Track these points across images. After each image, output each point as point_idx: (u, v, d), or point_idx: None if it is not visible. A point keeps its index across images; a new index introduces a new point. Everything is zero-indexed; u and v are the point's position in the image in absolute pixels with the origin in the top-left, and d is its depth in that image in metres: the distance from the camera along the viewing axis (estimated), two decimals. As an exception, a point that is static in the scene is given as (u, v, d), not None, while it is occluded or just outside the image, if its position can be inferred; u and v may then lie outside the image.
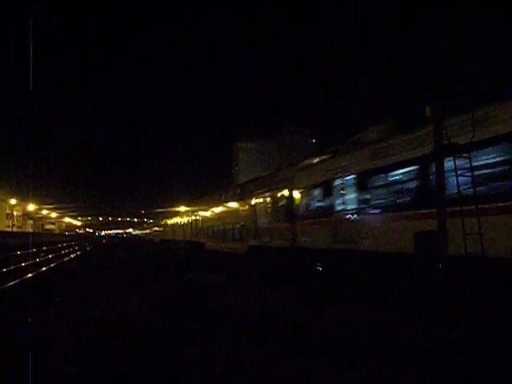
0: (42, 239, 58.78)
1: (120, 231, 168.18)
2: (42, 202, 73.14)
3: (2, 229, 56.57)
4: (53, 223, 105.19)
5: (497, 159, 8.75)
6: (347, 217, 13.74)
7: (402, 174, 11.50)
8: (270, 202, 20.90)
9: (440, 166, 9.22)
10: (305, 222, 16.94)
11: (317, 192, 16.22)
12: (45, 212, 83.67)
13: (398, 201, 11.74)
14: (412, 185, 11.18)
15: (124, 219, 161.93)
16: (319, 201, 16.05)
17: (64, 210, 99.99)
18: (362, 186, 13.31)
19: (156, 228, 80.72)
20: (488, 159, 8.90)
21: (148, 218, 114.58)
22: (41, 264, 22.89)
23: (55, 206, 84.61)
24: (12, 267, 19.49)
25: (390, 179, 11.99)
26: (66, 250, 40.91)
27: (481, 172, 8.92)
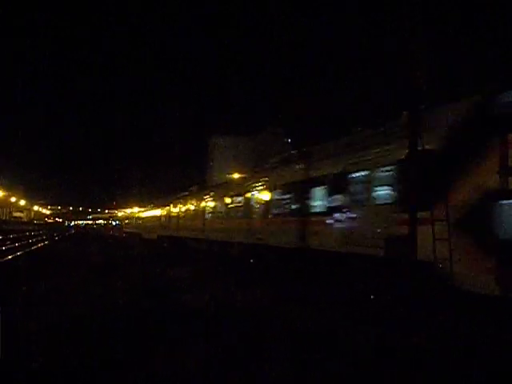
0: (8, 227, 57.53)
1: (90, 222, 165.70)
2: (10, 188, 71.64)
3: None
4: (21, 211, 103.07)
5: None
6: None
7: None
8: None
9: (414, 170, 9.34)
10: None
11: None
12: (13, 199, 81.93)
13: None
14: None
15: (95, 210, 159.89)
16: None
17: (33, 198, 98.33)
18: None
19: (127, 220, 78.14)
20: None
21: (119, 210, 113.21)
22: (6, 252, 22.40)
23: (24, 193, 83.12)
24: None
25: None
26: (34, 239, 40.17)
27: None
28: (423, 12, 9.21)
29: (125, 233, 72.39)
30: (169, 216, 38.45)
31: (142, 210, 60.59)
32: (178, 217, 34.63)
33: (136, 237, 53.57)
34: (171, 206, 37.57)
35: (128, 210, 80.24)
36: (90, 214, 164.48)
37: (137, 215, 65.28)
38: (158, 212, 45.63)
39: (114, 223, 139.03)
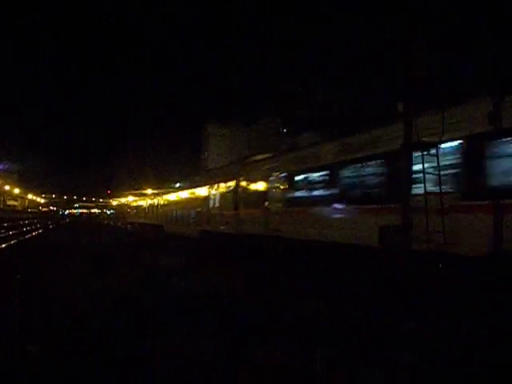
0: (2, 215, 57.41)
1: (85, 211, 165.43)
2: (4, 176, 71.33)
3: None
4: (15, 199, 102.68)
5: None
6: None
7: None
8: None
9: (408, 162, 9.39)
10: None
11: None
12: (7, 187, 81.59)
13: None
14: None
15: (89, 199, 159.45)
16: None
17: (28, 186, 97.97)
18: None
19: (129, 210, 74.37)
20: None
21: (114, 199, 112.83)
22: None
23: (19, 182, 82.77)
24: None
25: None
26: (28, 228, 40.14)
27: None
28: (423, 12, 9.26)
29: (130, 224, 56.60)
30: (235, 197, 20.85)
31: (163, 192, 41.20)
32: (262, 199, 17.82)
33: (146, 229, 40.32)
34: (241, 181, 20.57)
35: (123, 199, 77.02)
36: (84, 202, 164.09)
37: (152, 200, 46.00)
38: (199, 192, 27.49)
39: (108, 212, 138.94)
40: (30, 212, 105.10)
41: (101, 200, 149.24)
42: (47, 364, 5.29)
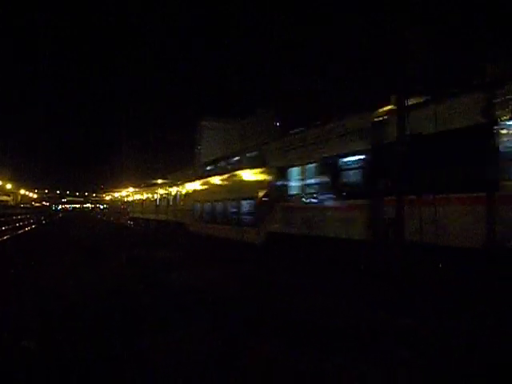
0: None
1: (78, 206, 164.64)
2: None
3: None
4: (7, 195, 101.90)
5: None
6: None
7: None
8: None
9: (401, 155, 9.39)
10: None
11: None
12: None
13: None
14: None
15: (82, 194, 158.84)
16: None
17: (20, 181, 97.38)
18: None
19: (121, 206, 71.56)
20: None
21: (107, 193, 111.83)
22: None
23: (11, 176, 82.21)
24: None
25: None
26: (21, 223, 39.93)
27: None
28: (423, 11, 9.29)
29: (132, 219, 47.89)
30: None
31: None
32: None
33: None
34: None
35: (117, 194, 74.80)
36: (76, 197, 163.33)
37: (167, 190, 34.28)
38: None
39: (101, 207, 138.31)
40: (23, 207, 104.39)
41: (94, 195, 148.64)
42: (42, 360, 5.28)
